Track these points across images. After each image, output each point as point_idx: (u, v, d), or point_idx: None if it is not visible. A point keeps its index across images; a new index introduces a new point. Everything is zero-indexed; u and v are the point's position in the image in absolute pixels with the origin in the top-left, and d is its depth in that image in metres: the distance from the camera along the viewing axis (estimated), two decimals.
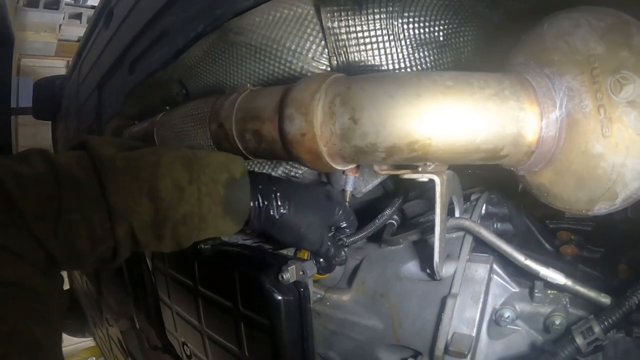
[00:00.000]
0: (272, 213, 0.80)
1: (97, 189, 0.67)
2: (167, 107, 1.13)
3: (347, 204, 0.87)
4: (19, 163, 0.65)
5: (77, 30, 4.77)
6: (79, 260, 0.68)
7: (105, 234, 0.68)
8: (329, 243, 0.86)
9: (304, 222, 0.82)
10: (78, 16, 4.84)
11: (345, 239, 0.90)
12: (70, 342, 4.00)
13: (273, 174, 0.96)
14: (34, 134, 4.21)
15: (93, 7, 4.44)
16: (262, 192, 0.80)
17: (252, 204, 0.79)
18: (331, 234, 0.89)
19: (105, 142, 0.74)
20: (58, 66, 4.79)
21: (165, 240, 0.73)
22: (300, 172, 0.89)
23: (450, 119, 0.53)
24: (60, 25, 4.79)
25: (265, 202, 0.80)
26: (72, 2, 4.73)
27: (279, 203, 0.80)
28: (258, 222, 0.81)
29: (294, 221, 0.82)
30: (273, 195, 0.80)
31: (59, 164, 0.66)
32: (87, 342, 4.06)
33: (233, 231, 0.79)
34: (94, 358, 4.22)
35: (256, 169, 0.97)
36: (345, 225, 0.87)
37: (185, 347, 1.27)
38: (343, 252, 0.88)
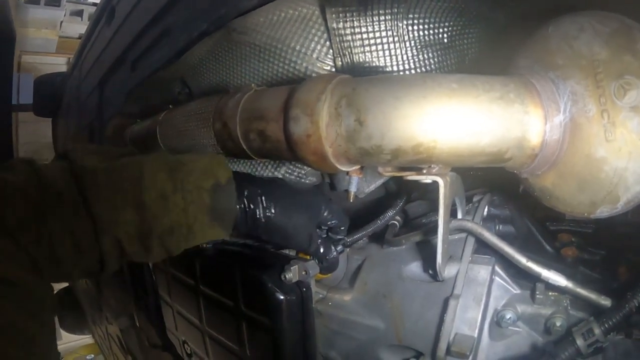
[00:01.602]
0: (258, 216, 0.80)
1: (80, 200, 0.67)
2: (170, 106, 1.13)
3: (331, 200, 0.87)
4: (4, 171, 0.66)
5: (78, 28, 4.75)
6: (64, 271, 0.69)
7: (90, 245, 0.69)
8: (319, 242, 0.86)
9: (290, 223, 0.82)
10: (79, 13, 4.83)
11: (346, 239, 0.91)
12: (69, 339, 4.00)
13: (276, 173, 0.96)
14: (34, 130, 4.20)
15: (94, 4, 4.43)
16: (248, 195, 0.80)
17: (238, 207, 0.79)
18: (324, 234, 0.88)
19: (87, 152, 0.74)
20: (59, 63, 4.77)
21: (153, 250, 0.73)
22: (303, 172, 0.89)
23: (455, 122, 0.53)
24: (61, 22, 4.77)
25: (252, 206, 0.80)
26: None
27: (265, 205, 0.80)
28: (244, 225, 0.81)
29: (280, 223, 0.82)
30: (258, 198, 0.80)
31: (43, 174, 0.67)
32: (86, 339, 4.06)
33: (222, 237, 0.79)
34: (93, 355, 4.21)
35: (259, 168, 0.97)
36: (334, 222, 0.87)
37: (185, 345, 1.27)
38: (334, 251, 0.87)
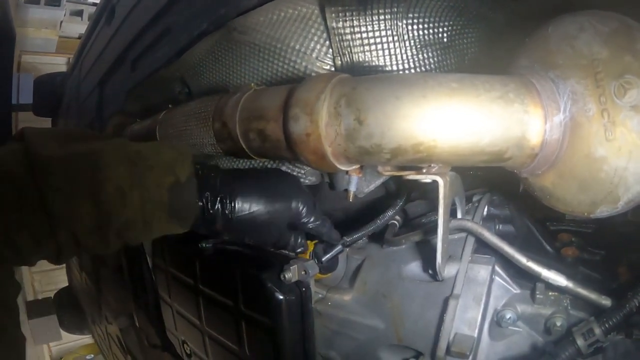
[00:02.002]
0: (217, 216, 0.78)
1: (35, 194, 0.65)
2: (170, 105, 1.13)
3: (308, 194, 0.85)
4: None
5: (78, 27, 4.76)
6: (23, 258, 0.68)
7: (46, 237, 0.67)
8: (292, 237, 0.85)
9: (253, 222, 0.80)
10: (79, 13, 4.84)
11: (345, 239, 0.91)
12: (68, 339, 4.00)
13: None
14: None
15: (94, 4, 4.43)
16: (209, 194, 0.77)
17: (199, 204, 0.76)
18: (300, 234, 0.88)
19: (45, 137, 0.71)
20: (59, 63, 4.78)
21: (110, 242, 0.72)
22: (302, 171, 0.89)
23: (455, 121, 0.53)
24: (61, 22, 4.78)
25: (210, 205, 0.77)
26: None
27: (225, 205, 0.78)
28: (204, 224, 0.79)
29: (241, 223, 0.79)
30: (219, 197, 0.78)
31: None
32: (86, 339, 4.07)
33: (181, 232, 0.78)
34: (92, 355, 4.22)
35: (258, 167, 0.97)
36: (310, 221, 0.84)
37: (185, 345, 1.27)
38: (301, 242, 0.87)
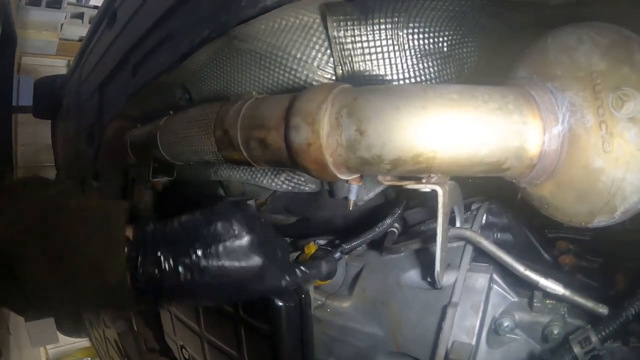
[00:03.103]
0: (159, 288, 0.67)
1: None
2: (171, 112, 1.14)
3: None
4: None
5: (79, 30, 4.76)
6: None
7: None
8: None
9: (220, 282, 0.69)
10: (80, 16, 4.84)
11: (344, 246, 0.91)
12: (65, 342, 3.98)
13: (275, 180, 0.96)
14: (33, 132, 4.20)
15: (95, 7, 4.44)
16: (146, 271, 0.66)
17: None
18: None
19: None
20: (59, 65, 4.78)
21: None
22: (302, 179, 0.90)
23: (455, 133, 0.54)
24: (62, 25, 4.78)
25: (152, 285, 0.67)
26: (75, 1, 4.73)
27: (168, 279, 0.66)
28: (144, 302, 0.70)
29: (187, 295, 0.70)
30: (162, 271, 0.66)
31: None
32: (83, 342, 4.05)
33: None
34: (89, 359, 4.20)
35: (259, 175, 0.97)
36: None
37: (183, 350, 1.27)
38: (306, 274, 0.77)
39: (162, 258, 0.66)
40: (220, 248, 0.68)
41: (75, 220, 0.67)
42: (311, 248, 0.95)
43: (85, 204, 0.71)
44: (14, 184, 0.73)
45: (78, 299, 0.67)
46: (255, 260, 0.69)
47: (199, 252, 0.67)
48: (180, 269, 0.66)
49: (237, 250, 0.69)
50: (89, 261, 0.64)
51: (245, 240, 0.70)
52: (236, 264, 0.69)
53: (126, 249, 0.66)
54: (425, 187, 0.62)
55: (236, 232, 0.70)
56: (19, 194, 0.70)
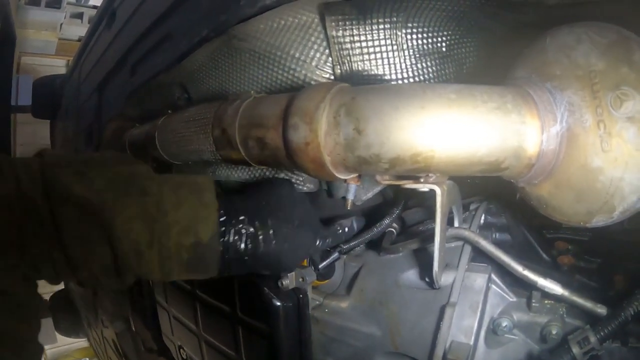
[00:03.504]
0: (243, 254, 0.74)
1: (55, 235, 0.65)
2: (169, 111, 1.14)
3: (323, 228, 0.85)
4: None
5: (78, 30, 4.76)
6: (49, 280, 0.71)
7: (67, 274, 0.69)
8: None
9: (278, 259, 0.77)
10: (79, 15, 4.84)
11: (343, 246, 0.91)
12: (63, 342, 3.98)
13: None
14: (32, 132, 4.20)
15: (95, 7, 4.44)
16: (238, 237, 0.74)
17: (220, 249, 0.73)
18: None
19: (64, 166, 0.69)
20: (58, 65, 4.78)
21: (127, 281, 0.72)
22: (301, 179, 0.90)
23: (453, 132, 0.54)
24: (61, 24, 4.78)
25: (237, 250, 0.74)
26: (74, 1, 4.72)
27: (253, 242, 0.75)
28: (225, 270, 0.75)
29: (266, 260, 0.76)
30: (247, 235, 0.74)
31: (25, 190, 0.64)
32: (81, 342, 4.04)
33: (204, 278, 0.76)
34: (88, 359, 4.19)
35: (257, 175, 0.97)
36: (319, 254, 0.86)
37: (181, 350, 1.27)
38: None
39: (243, 229, 0.74)
40: (288, 216, 0.78)
41: (168, 186, 0.72)
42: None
43: (172, 176, 0.78)
44: (104, 155, 0.77)
45: (165, 259, 0.69)
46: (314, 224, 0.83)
47: (271, 222, 0.76)
48: (260, 236, 0.75)
49: (299, 216, 0.79)
50: (182, 222, 0.69)
51: (304, 207, 0.82)
52: (300, 229, 0.78)
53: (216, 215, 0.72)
54: (424, 187, 0.62)
55: (296, 199, 0.82)
56: (110, 163, 0.74)
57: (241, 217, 0.75)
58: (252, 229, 0.75)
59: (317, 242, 0.83)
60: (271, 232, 0.75)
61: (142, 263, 0.69)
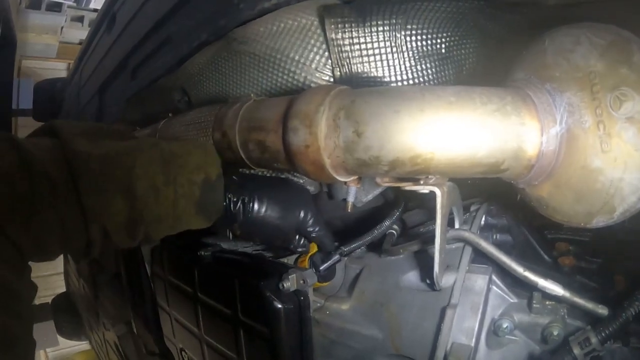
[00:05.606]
0: (239, 214, 0.84)
1: (72, 189, 0.67)
2: (170, 114, 1.14)
3: (314, 207, 0.92)
4: None
5: (79, 33, 4.77)
6: (48, 255, 0.69)
7: (78, 233, 0.69)
8: (296, 239, 0.93)
9: (267, 225, 0.87)
10: (80, 19, 4.84)
11: (343, 248, 0.91)
12: (65, 345, 3.98)
13: None
14: None
15: (95, 10, 4.44)
16: (233, 194, 0.84)
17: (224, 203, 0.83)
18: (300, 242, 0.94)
19: (77, 132, 0.73)
20: (59, 68, 4.78)
21: (138, 238, 0.74)
22: (301, 180, 0.90)
23: (453, 134, 0.54)
24: (62, 28, 4.79)
25: (233, 203, 0.84)
26: (75, 4, 4.73)
27: (245, 203, 0.84)
28: (225, 221, 0.85)
29: (257, 223, 0.86)
30: (242, 198, 0.84)
31: (32, 158, 0.64)
32: (83, 345, 4.04)
33: (204, 227, 0.82)
34: None
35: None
36: (311, 229, 0.90)
37: (183, 353, 1.27)
38: (304, 243, 0.94)
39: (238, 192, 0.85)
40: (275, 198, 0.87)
41: (177, 142, 0.82)
42: (311, 249, 0.95)
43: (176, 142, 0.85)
44: (120, 128, 0.86)
45: (179, 196, 0.75)
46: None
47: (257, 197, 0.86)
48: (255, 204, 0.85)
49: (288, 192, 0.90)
50: (192, 164, 0.78)
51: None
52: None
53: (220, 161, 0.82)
54: (424, 189, 0.62)
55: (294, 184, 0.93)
56: (125, 135, 0.82)
57: (240, 183, 0.86)
58: (245, 196, 0.85)
59: (301, 215, 0.90)
60: (258, 203, 0.85)
61: (159, 201, 0.73)
